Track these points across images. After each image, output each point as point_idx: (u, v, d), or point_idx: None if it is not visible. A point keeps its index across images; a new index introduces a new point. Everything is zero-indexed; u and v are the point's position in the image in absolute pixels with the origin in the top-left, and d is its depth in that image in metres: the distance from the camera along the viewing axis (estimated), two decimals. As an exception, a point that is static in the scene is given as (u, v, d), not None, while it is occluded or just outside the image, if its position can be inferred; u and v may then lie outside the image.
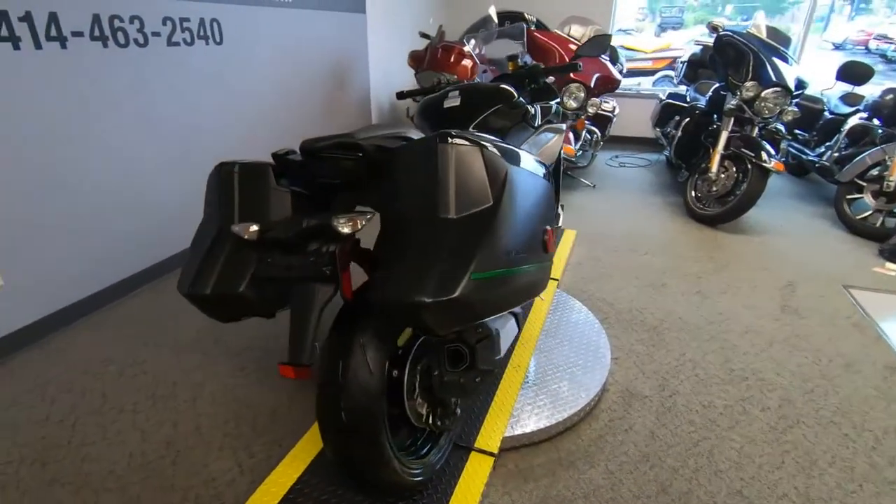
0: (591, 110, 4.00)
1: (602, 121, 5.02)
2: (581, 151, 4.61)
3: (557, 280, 2.67)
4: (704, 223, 3.67)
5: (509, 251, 0.97)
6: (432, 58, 3.97)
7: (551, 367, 1.98)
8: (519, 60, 2.10)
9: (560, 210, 2.24)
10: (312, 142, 1.10)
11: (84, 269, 2.41)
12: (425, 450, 1.40)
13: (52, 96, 2.14)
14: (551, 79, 2.13)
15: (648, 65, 9.33)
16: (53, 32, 2.10)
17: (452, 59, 3.91)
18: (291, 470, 1.53)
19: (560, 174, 2.24)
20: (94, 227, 2.42)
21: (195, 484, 1.55)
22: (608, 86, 4.15)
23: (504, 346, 1.32)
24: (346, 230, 0.98)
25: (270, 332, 2.30)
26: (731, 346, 2.26)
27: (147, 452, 1.67)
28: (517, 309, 1.56)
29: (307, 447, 1.62)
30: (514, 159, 1.07)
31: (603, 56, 4.10)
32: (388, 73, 4.86)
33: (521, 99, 1.81)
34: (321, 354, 1.16)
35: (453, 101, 1.77)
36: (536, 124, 1.94)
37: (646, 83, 7.94)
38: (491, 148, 0.99)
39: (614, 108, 5.17)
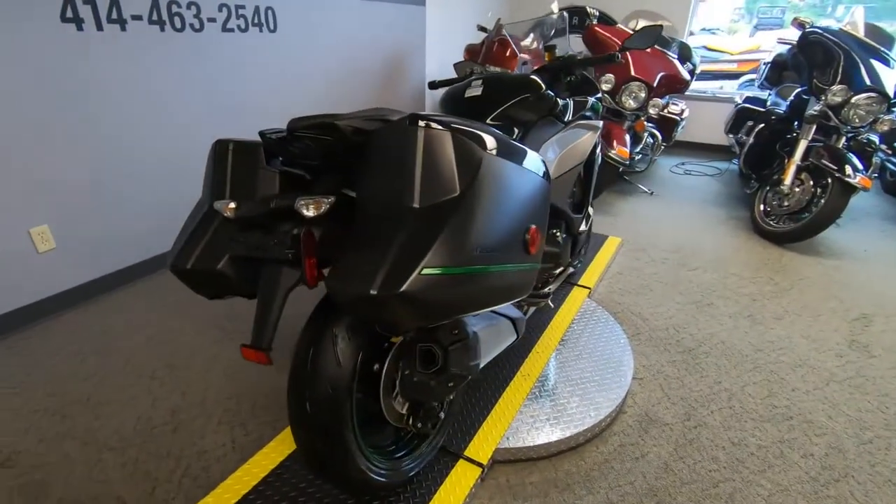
0: (652, 111, 3.73)
1: (668, 124, 4.69)
2: (640, 155, 4.33)
3: (589, 289, 2.50)
4: (771, 241, 3.31)
5: (477, 248, 0.88)
6: (487, 51, 3.88)
7: (563, 380, 1.85)
8: (557, 51, 1.97)
9: (588, 213, 2.08)
10: (296, 121, 1.07)
11: (135, 237, 2.57)
12: (403, 452, 1.33)
13: (111, 75, 2.29)
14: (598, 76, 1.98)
15: (733, 67, 8.62)
16: (114, 15, 2.24)
17: (508, 54, 3.80)
18: (276, 454, 1.52)
19: (594, 174, 2.08)
20: (150, 199, 2.57)
21: (188, 454, 1.59)
22: (675, 86, 3.86)
23: (488, 351, 1.23)
24: (308, 213, 0.94)
25: (292, 313, 2.33)
26: (779, 379, 2.00)
27: (153, 418, 1.73)
28: (515, 313, 1.46)
29: (297, 432, 1.61)
30: (500, 149, 0.98)
31: (671, 54, 3.81)
32: (444, 64, 4.82)
33: (548, 91, 1.69)
34: (297, 342, 1.14)
35: (475, 90, 1.68)
36: (567, 119, 1.81)
37: (730, 87, 7.34)
38: (464, 134, 0.91)
39: (683, 111, 4.82)
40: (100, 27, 2.20)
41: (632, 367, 1.94)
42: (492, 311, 1.32)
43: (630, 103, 3.62)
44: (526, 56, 3.19)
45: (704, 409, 1.83)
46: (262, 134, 1.14)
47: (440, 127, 0.88)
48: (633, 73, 3.54)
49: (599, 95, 2.10)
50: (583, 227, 1.99)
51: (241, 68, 2.88)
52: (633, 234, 3.39)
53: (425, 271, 0.80)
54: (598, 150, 2.11)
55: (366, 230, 0.90)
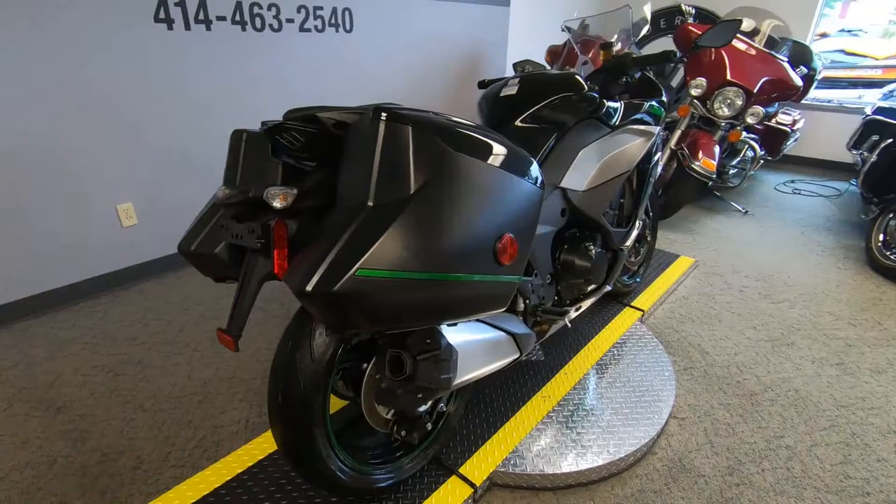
0: (750, 120, 3.31)
1: (775, 136, 4.15)
2: (734, 169, 3.88)
3: (642, 312, 2.27)
4: (888, 277, 2.79)
5: (428, 252, 0.81)
6: (570, 53, 3.71)
7: (588, 408, 1.69)
8: (621, 47, 1.80)
9: (636, 229, 1.88)
10: (289, 112, 1.07)
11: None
12: (380, 461, 1.29)
13: (196, 70, 2.51)
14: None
15: (877, 74, 7.43)
16: (201, 16, 2.46)
17: (591, 55, 3.59)
18: (268, 444, 1.56)
19: (647, 186, 1.88)
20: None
21: (206, 426, 1.68)
22: (782, 92, 3.39)
23: (472, 367, 1.14)
24: (275, 203, 0.93)
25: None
26: (862, 445, 1.66)
27: (186, 387, 1.86)
28: (518, 328, 1.35)
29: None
30: (472, 147, 0.90)
31: (780, 56, 3.36)
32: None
33: (591, 92, 1.55)
34: (283, 332, 1.15)
35: (510, 89, 1.59)
36: (614, 122, 1.65)
37: (872, 97, 6.33)
38: (430, 129, 0.84)
39: (796, 121, 4.24)
40: (188, 27, 2.43)
41: (671, 404, 1.72)
42: (488, 324, 1.23)
43: (723, 111, 3.25)
44: (586, 56, 2.99)
45: (754, 465, 1.57)
46: (264, 124, 1.16)
47: (401, 121, 0.83)
48: (728, 76, 3.17)
49: (663, 98, 1.89)
50: (627, 243, 1.80)
51: (316, 67, 3.03)
52: (713, 256, 3.03)
53: (362, 273, 0.75)
54: (657, 160, 1.90)
55: (326, 225, 0.87)
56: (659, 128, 1.80)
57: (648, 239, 2.29)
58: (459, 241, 0.85)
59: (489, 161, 0.92)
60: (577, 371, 1.87)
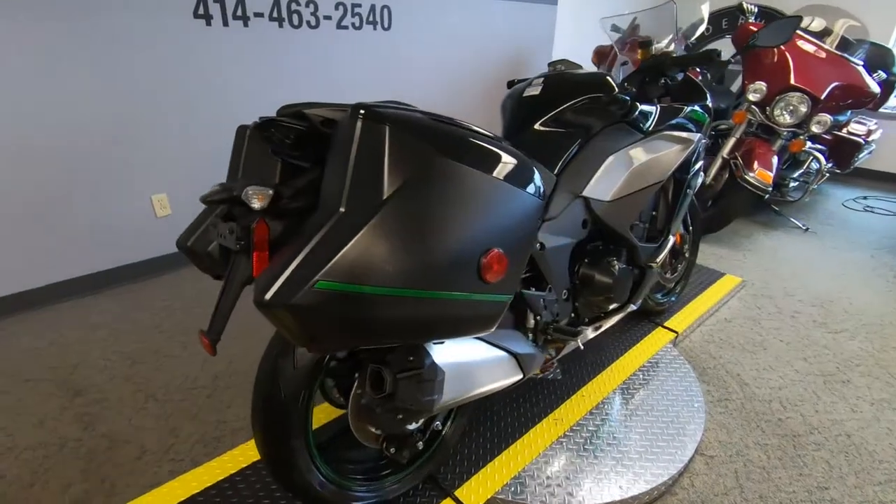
0: (815, 129, 3.01)
1: (846, 147, 3.80)
2: (795, 182, 3.56)
3: (676, 334, 2.10)
4: (972, 312, 2.45)
5: (401, 266, 0.73)
6: (615, 54, 3.52)
7: (602, 437, 1.56)
8: (673, 48, 1.66)
9: (669, 245, 1.72)
10: (282, 108, 1.03)
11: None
12: (361, 478, 1.22)
13: (232, 65, 2.55)
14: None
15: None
16: (239, 12, 2.49)
17: (639, 56, 3.40)
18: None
19: (684, 198, 1.71)
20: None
21: (210, 421, 1.68)
22: (856, 100, 3.07)
23: (463, 388, 1.05)
24: (254, 204, 0.88)
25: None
26: (925, 506, 1.44)
27: (198, 378, 1.88)
28: (522, 348, 1.25)
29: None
30: (459, 151, 0.81)
31: (854, 60, 3.04)
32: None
33: (622, 94, 1.43)
34: (271, 338, 1.11)
35: (534, 89, 1.49)
36: (647, 127, 1.51)
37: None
38: (412, 130, 0.76)
39: (871, 131, 3.85)
40: (226, 23, 2.46)
41: (698, 439, 1.56)
42: (486, 342, 1.14)
43: (784, 118, 2.97)
44: (626, 57, 2.80)
45: (790, 518, 1.39)
46: (260, 119, 1.12)
47: (377, 119, 0.75)
48: (792, 80, 2.90)
49: (708, 102, 1.73)
50: (658, 260, 1.65)
51: (352, 64, 3.02)
52: (764, 277, 2.78)
53: (322, 285, 0.69)
54: (697, 169, 1.73)
55: (301, 230, 0.82)
56: (699, 135, 1.64)
57: (687, 255, 2.11)
58: (435, 255, 0.77)
59: (479, 167, 0.83)
60: (596, 394, 1.74)
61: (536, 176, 0.96)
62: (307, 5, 2.71)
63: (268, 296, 0.70)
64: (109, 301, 2.41)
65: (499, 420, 1.60)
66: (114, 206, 2.42)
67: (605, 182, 1.45)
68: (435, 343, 0.98)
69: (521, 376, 1.23)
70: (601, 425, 1.60)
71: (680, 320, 2.20)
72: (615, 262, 1.48)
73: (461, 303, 0.83)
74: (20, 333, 2.15)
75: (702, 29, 3.46)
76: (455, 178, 0.79)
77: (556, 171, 1.41)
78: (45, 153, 2.17)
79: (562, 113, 1.41)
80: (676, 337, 2.10)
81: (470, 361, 1.07)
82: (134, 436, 1.62)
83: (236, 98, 2.61)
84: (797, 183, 3.58)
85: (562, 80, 1.47)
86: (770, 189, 2.88)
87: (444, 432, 1.32)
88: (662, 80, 1.63)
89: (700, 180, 1.82)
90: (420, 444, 1.21)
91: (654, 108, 1.54)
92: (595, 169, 1.44)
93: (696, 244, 2.26)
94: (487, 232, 0.84)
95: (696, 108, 1.67)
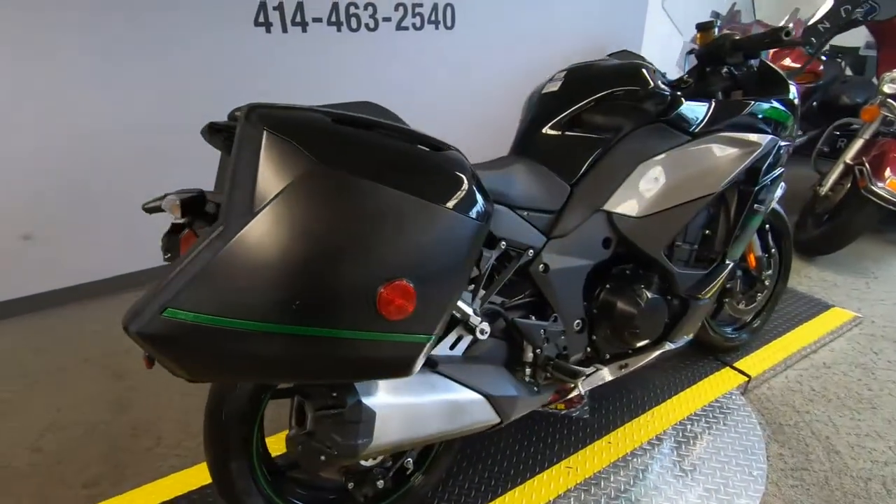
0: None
1: None
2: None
3: (748, 378, 1.73)
4: None
5: (270, 297, 0.61)
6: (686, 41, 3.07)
7: (624, 495, 1.31)
8: (724, 27, 1.36)
9: (725, 273, 1.39)
10: (234, 110, 0.97)
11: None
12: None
13: (291, 71, 2.62)
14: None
15: None
16: (298, 19, 2.55)
17: (698, 41, 2.94)
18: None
19: (750, 215, 1.37)
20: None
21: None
22: None
23: (407, 431, 0.90)
24: (172, 214, 0.82)
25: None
26: None
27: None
28: (499, 389, 1.06)
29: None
30: (354, 160, 0.67)
31: None
32: (665, 61, 4.06)
33: (658, 88, 1.18)
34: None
35: (554, 84, 1.29)
36: (694, 128, 1.23)
37: None
38: (291, 134, 0.64)
39: None
40: (285, 30, 2.53)
41: (749, 520, 1.25)
42: (452, 380, 0.98)
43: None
44: (693, 45, 2.38)
45: None
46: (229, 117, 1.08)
47: (257, 121, 0.65)
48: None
49: (791, 96, 1.38)
50: (706, 291, 1.34)
51: (413, 65, 2.96)
52: (889, 313, 2.22)
53: (169, 313, 0.60)
54: (769, 180, 1.39)
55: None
56: (771, 137, 1.31)
57: (766, 282, 1.73)
58: (311, 285, 0.64)
59: (384, 181, 0.68)
60: (626, 442, 1.47)
61: (474, 193, 0.78)
62: (365, 8, 2.70)
63: (124, 322, 0.63)
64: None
65: (498, 458, 1.41)
66: (182, 204, 2.60)
67: (634, 194, 1.21)
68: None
69: (497, 421, 1.05)
70: (625, 483, 1.35)
71: (756, 361, 1.81)
72: (643, 290, 1.23)
73: (353, 343, 0.69)
74: (88, 319, 2.37)
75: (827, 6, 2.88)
76: (344, 192, 0.66)
77: (572, 181, 1.20)
78: (116, 151, 2.36)
79: (583, 111, 1.20)
80: (748, 382, 1.73)
81: (422, 402, 0.92)
82: (153, 426, 1.70)
83: (294, 102, 2.68)
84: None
85: (586, 72, 1.26)
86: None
87: (415, 473, 1.17)
88: (725, 70, 1.32)
89: (777, 193, 1.46)
90: (380, 483, 1.08)
91: (705, 104, 1.25)
92: (621, 178, 1.21)
93: (786, 269, 1.85)
94: (389, 259, 0.69)
95: (773, 103, 1.34)
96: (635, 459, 1.42)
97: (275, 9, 2.47)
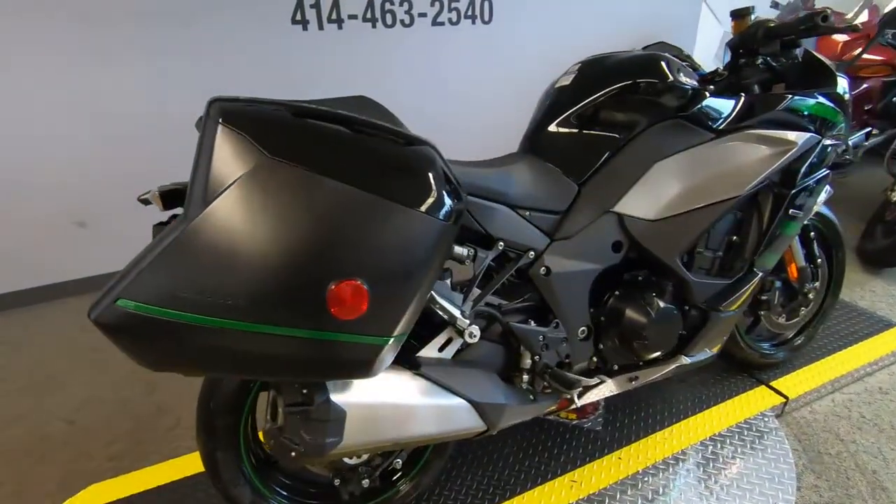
0: None
1: None
2: None
3: (785, 400, 1.58)
4: None
5: (216, 290, 0.61)
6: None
7: (626, 517, 1.23)
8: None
9: (752, 285, 1.27)
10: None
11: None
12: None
13: (327, 67, 2.66)
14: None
15: None
16: (334, 16, 2.58)
17: (733, 30, 2.70)
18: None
19: (785, 221, 1.24)
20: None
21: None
22: None
23: (382, 432, 0.88)
24: (157, 205, 0.84)
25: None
26: None
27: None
28: (484, 396, 1.02)
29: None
30: (308, 154, 0.65)
31: None
32: (722, 54, 3.80)
33: (677, 81, 1.09)
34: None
35: (567, 78, 1.23)
36: (720, 124, 1.13)
37: None
38: (243, 127, 0.62)
39: None
40: (321, 27, 2.58)
41: (767, 557, 1.14)
42: (435, 383, 0.95)
43: None
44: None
45: None
46: None
47: (214, 114, 0.64)
48: None
49: (840, 90, 1.24)
50: (730, 303, 1.23)
51: (449, 61, 2.93)
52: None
53: (122, 303, 0.61)
54: (816, 181, 1.26)
55: None
56: (811, 135, 1.18)
57: (810, 296, 1.56)
58: (256, 279, 0.63)
59: (337, 176, 0.66)
60: (639, 459, 1.39)
61: (434, 190, 0.74)
62: (401, 4, 2.70)
63: (88, 308, 0.65)
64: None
65: (499, 465, 1.37)
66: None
67: (648, 195, 1.13)
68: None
69: (482, 428, 1.01)
70: (635, 502, 1.27)
71: (797, 382, 1.66)
72: (655, 298, 1.14)
73: (304, 342, 0.67)
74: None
75: None
76: (295, 187, 0.64)
77: (581, 180, 1.14)
78: (158, 142, 2.47)
79: (595, 106, 1.13)
80: (785, 404, 1.58)
81: (399, 404, 0.90)
82: (176, 407, 1.78)
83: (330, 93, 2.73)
84: None
85: (601, 64, 1.18)
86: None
87: (404, 476, 1.15)
88: (761, 61, 1.21)
89: (821, 197, 1.32)
90: (366, 483, 1.07)
91: (732, 99, 1.15)
92: (635, 177, 1.13)
93: (836, 283, 1.68)
94: (340, 257, 0.67)
95: (818, 97, 1.20)
96: (647, 479, 1.33)
97: (311, 6, 2.52)
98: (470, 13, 2.88)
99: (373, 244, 0.70)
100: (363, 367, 0.74)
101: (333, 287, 0.66)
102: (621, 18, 3.34)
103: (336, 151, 0.68)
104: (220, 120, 0.63)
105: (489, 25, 2.96)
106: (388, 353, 0.76)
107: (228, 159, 0.63)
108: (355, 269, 0.68)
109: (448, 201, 0.75)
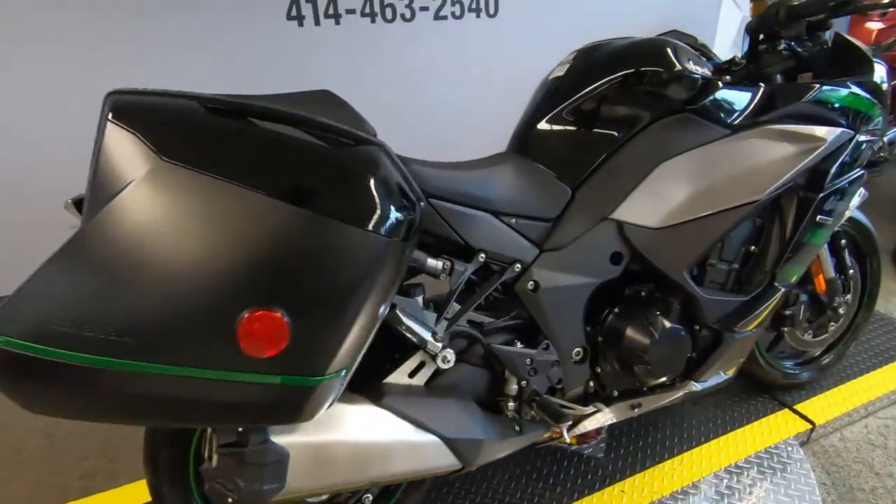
0: None
1: None
2: None
3: (811, 426, 1.42)
4: None
5: (96, 322, 0.50)
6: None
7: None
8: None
9: (772, 296, 1.12)
10: None
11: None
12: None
13: (325, 64, 2.57)
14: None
15: None
16: (331, 11, 2.49)
17: (751, 12, 2.53)
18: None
19: (812, 229, 1.09)
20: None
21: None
22: None
23: (329, 474, 0.77)
24: (75, 213, 0.74)
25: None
26: None
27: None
28: (458, 432, 0.89)
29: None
30: (208, 157, 0.54)
31: None
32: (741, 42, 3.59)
33: (685, 70, 0.95)
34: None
35: (561, 69, 1.10)
36: (734, 119, 0.99)
37: None
38: (133, 122, 0.52)
39: None
40: (317, 23, 2.48)
41: None
42: (402, 417, 0.83)
43: None
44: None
45: None
46: None
47: (106, 109, 0.53)
48: None
49: (876, 78, 1.08)
50: (747, 322, 1.08)
51: (450, 56, 2.81)
52: None
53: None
54: (849, 182, 1.10)
55: None
56: (842, 129, 1.02)
57: (840, 310, 1.40)
58: (144, 310, 0.52)
59: (250, 184, 0.54)
60: (644, 492, 1.25)
61: (383, 200, 0.62)
62: (402, -2, 2.59)
63: None
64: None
65: (489, 495, 1.24)
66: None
67: (652, 200, 0.99)
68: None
69: (457, 466, 0.89)
70: (634, 542, 1.13)
71: (825, 405, 1.49)
72: (660, 317, 1.01)
73: (214, 384, 0.56)
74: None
75: None
76: (194, 196, 0.53)
77: (575, 184, 1.01)
78: None
79: (591, 99, 1.00)
80: (812, 430, 1.42)
81: (356, 442, 0.78)
82: (157, 421, 1.70)
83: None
84: None
85: (597, 53, 1.05)
86: None
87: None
88: (784, 46, 1.06)
89: (855, 200, 1.16)
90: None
91: (750, 90, 1.00)
92: (637, 180, 1.00)
93: (871, 296, 1.51)
94: (251, 282, 0.55)
95: (851, 87, 1.05)
96: (656, 513, 1.20)
97: (307, 1, 2.43)
98: (474, 6, 2.75)
99: (294, 267, 0.58)
100: (291, 411, 0.63)
101: (245, 318, 0.55)
102: (637, 9, 3.17)
103: (250, 154, 0.57)
104: (109, 116, 0.53)
105: (494, 19, 2.83)
106: (326, 394, 0.65)
107: (118, 162, 0.52)
108: (272, 297, 0.56)
109: (394, 213, 0.63)
